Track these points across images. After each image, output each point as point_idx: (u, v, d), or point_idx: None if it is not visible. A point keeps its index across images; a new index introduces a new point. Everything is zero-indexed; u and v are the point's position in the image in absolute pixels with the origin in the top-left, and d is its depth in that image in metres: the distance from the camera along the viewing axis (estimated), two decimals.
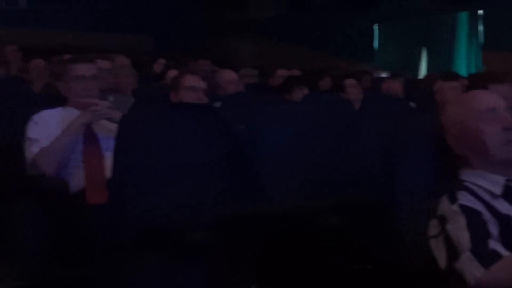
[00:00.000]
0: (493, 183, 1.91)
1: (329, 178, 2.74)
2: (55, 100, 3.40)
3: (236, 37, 14.00)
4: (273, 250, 2.25)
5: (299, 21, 12.80)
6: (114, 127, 2.85)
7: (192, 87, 3.59)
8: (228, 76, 4.93)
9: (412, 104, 5.05)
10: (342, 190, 2.67)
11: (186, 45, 13.22)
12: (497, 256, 1.67)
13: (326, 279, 2.23)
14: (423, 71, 10.86)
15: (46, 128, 3.09)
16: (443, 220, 1.83)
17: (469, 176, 1.95)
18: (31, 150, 3.03)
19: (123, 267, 2.20)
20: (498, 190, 1.89)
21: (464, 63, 10.68)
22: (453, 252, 1.75)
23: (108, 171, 2.82)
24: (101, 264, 2.35)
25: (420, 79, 8.81)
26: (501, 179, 1.91)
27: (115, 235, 2.28)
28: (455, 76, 6.79)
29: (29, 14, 13.49)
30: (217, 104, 4.04)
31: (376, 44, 11.87)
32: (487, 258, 1.67)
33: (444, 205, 1.85)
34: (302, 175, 2.66)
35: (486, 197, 1.87)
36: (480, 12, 10.22)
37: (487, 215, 1.80)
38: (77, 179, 2.96)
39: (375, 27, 11.79)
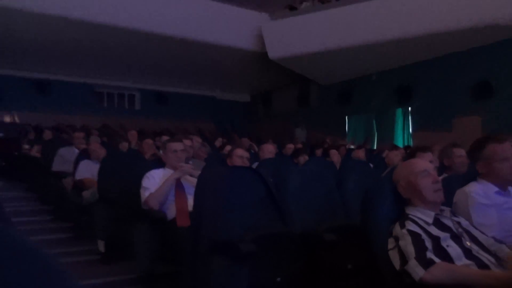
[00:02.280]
0: (427, 215, 1.89)
1: (328, 210, 2.72)
2: (159, 164, 3.43)
3: (265, 123, 14.14)
4: (294, 255, 2.21)
5: (303, 113, 12.85)
6: (194, 180, 2.87)
7: (240, 156, 3.61)
8: (268, 148, 4.91)
9: (371, 165, 4.99)
10: (337, 218, 2.65)
11: (234, 129, 13.39)
12: (432, 262, 1.63)
13: (327, 274, 2.19)
14: (376, 144, 10.78)
15: (153, 181, 3.10)
16: (396, 239, 1.81)
17: (412, 211, 1.93)
18: (144, 194, 3.04)
19: (201, 266, 2.18)
20: (430, 220, 1.87)
21: (400, 138, 10.62)
22: (403, 259, 1.72)
23: (190, 207, 2.83)
24: (187, 264, 2.33)
25: (375, 149, 8.72)
26: (432, 213, 1.90)
27: (195, 245, 2.26)
28: (397, 147, 6.76)
29: (142, 111, 13.81)
30: (254, 165, 4.04)
31: (347, 127, 11.90)
32: (426, 263, 1.64)
33: (397, 229, 1.84)
34: (312, 209, 2.64)
35: (423, 224, 1.84)
36: (410, 108, 10.21)
37: (424, 236, 1.78)
38: (171, 211, 2.96)
39: (347, 117, 11.83)
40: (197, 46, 10.26)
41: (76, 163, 4.76)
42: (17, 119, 11.49)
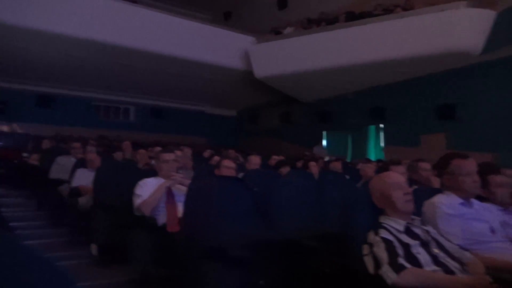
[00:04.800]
0: (399, 224, 1.89)
1: (309, 218, 2.71)
2: (151, 173, 3.39)
3: (252, 137, 14.14)
4: (278, 260, 2.19)
5: (286, 129, 12.89)
6: (184, 188, 2.84)
7: (228, 166, 3.59)
8: (254, 159, 4.89)
9: (347, 176, 5.02)
10: (317, 225, 2.64)
11: (222, 141, 13.36)
12: (403, 267, 1.64)
13: (307, 277, 2.17)
14: (351, 157, 10.86)
15: (146, 189, 3.07)
16: (371, 245, 1.81)
17: (385, 220, 1.93)
18: (137, 201, 3.01)
19: (192, 270, 2.15)
20: (401, 228, 1.87)
21: (373, 153, 10.74)
22: (377, 264, 1.72)
23: (179, 213, 2.79)
24: (179, 268, 2.29)
25: (350, 162, 8.78)
26: (403, 222, 1.90)
27: (187, 250, 2.23)
28: (370, 161, 6.82)
29: (136, 124, 13.68)
30: (240, 175, 4.02)
31: (325, 142, 11.96)
32: (397, 268, 1.64)
33: (372, 236, 1.84)
34: (294, 217, 2.63)
35: (395, 232, 1.84)
36: (382, 125, 10.34)
37: (396, 243, 1.78)
38: (162, 217, 2.92)
39: (324, 132, 11.91)
40: (189, 64, 10.28)
41: (73, 171, 4.68)
42: (18, 130, 11.27)
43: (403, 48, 8.03)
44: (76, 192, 4.32)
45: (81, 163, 4.78)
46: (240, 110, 15.13)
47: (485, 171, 2.46)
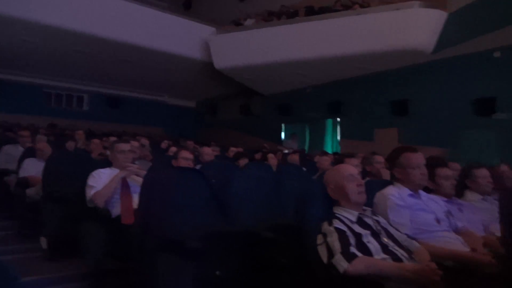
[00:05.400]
0: (351, 215, 1.95)
1: (267, 210, 2.73)
2: (105, 163, 3.29)
3: (211, 129, 14.03)
4: (236, 252, 2.20)
5: (246, 121, 12.90)
6: (140, 180, 2.78)
7: (186, 157, 3.54)
8: (206, 150, 4.87)
9: (304, 169, 5.11)
10: (274, 217, 2.67)
11: (180, 133, 13.16)
12: (355, 256, 1.69)
13: (264, 268, 2.20)
14: (309, 150, 11.05)
15: (100, 180, 2.97)
16: (325, 235, 1.85)
17: (339, 211, 1.98)
18: (90, 193, 2.91)
19: (147, 263, 2.11)
20: (354, 219, 1.93)
21: (330, 146, 10.99)
22: (330, 253, 1.77)
23: (135, 205, 2.74)
24: (134, 261, 2.25)
25: (308, 154, 8.92)
26: (356, 213, 1.96)
27: (142, 243, 2.19)
28: (326, 153, 6.98)
29: (90, 112, 13.17)
30: (198, 167, 3.98)
31: (283, 135, 12.09)
32: (349, 257, 1.69)
33: (325, 227, 1.88)
34: (252, 208, 2.64)
35: (348, 222, 1.90)
36: (338, 119, 10.60)
37: (348, 233, 1.83)
38: (116, 209, 2.85)
39: (283, 125, 12.03)
40: (147, 53, 9.99)
41: (21, 161, 4.45)
42: None
43: (360, 44, 8.24)
44: (24, 182, 4.12)
45: (30, 153, 4.56)
46: (200, 101, 14.94)
47: (432, 164, 2.59)
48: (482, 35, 7.39)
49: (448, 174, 2.63)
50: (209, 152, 4.80)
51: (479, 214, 2.61)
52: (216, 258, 2.11)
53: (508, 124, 7.39)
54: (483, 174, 2.88)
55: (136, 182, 2.97)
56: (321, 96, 10.66)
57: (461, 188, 2.88)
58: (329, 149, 10.41)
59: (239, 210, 2.57)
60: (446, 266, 1.86)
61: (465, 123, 7.83)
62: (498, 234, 1.85)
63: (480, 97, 7.76)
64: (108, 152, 4.23)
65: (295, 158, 6.09)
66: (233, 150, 6.38)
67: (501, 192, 2.01)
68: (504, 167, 3.47)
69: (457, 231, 2.28)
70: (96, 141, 5.48)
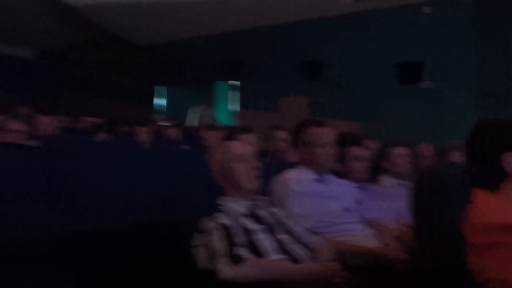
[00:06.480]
0: (241, 206, 2.02)
1: (130, 202, 2.68)
2: None
3: (58, 90, 13.23)
4: (86, 258, 2.14)
5: (109, 81, 12.45)
6: None
7: (13, 129, 3.33)
8: (46, 120, 4.63)
9: (186, 147, 5.13)
10: (141, 211, 2.63)
11: (9, 94, 12.17)
12: (241, 258, 1.76)
13: (126, 277, 2.18)
14: (196, 123, 11.04)
15: None
16: (206, 233, 1.89)
17: (225, 201, 2.04)
18: None
19: None
20: (244, 211, 2.00)
21: (224, 117, 11.10)
22: (212, 255, 1.82)
23: None
24: None
25: (193, 128, 8.91)
26: (248, 203, 2.03)
27: None
28: (216, 128, 7.08)
29: None
30: (34, 143, 3.77)
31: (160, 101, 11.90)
32: (235, 259, 1.76)
33: (206, 223, 1.92)
34: (110, 200, 2.58)
35: (236, 216, 1.96)
36: (237, 83, 10.76)
37: (236, 229, 1.89)
38: None
39: (162, 88, 11.84)
40: None
41: None
42: None
43: None
44: None
45: None
46: (43, 50, 14.03)
47: (344, 142, 2.78)
48: None
49: (362, 154, 2.85)
50: (49, 123, 4.60)
51: (395, 202, 2.85)
52: (52, 268, 2.04)
53: (436, 94, 8.16)
54: (401, 153, 3.13)
55: None
56: (214, 52, 10.68)
57: (376, 171, 3.12)
58: (223, 121, 10.53)
59: (90, 202, 2.49)
60: (352, 265, 2.03)
61: (387, 92, 8.46)
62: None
63: (405, 62, 8.42)
64: None
65: (175, 133, 6.07)
66: (87, 121, 6.17)
67: (415, 175, 2.21)
68: (424, 146, 3.80)
69: (368, 222, 2.50)
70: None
